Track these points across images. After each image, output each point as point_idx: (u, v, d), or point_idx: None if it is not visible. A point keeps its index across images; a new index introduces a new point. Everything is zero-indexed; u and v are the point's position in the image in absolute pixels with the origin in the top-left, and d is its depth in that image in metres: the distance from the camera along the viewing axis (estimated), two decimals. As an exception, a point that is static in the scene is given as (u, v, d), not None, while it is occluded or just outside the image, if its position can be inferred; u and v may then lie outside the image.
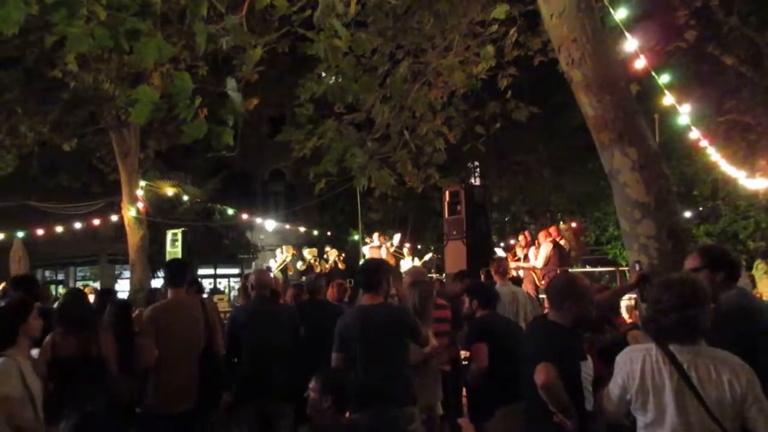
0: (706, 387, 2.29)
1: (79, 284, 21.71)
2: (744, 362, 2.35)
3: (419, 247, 16.82)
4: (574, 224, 16.00)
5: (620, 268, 13.39)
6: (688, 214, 16.77)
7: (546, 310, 3.65)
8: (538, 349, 3.07)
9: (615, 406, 2.54)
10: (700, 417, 2.28)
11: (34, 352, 4.32)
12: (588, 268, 14.49)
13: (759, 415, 2.26)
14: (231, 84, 2.78)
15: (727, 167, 12.87)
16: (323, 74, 4.65)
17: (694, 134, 10.38)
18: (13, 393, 3.09)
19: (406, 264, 13.03)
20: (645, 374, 2.39)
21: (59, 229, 15.15)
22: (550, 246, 9.92)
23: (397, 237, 14.65)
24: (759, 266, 12.05)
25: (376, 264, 4.60)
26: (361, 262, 12.90)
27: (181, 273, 4.75)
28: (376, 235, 13.37)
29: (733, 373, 2.31)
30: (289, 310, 5.41)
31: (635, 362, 2.43)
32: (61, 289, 16.49)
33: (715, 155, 12.14)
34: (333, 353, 3.96)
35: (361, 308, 3.97)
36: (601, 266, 17.13)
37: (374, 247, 12.85)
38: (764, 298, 8.42)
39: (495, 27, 5.40)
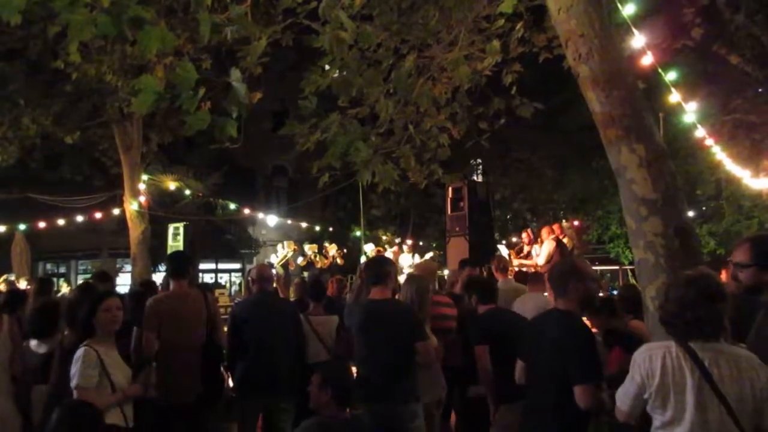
0: (727, 385, 2.26)
1: (81, 278, 21.74)
2: (762, 361, 2.33)
3: (421, 243, 16.80)
4: (576, 222, 15.98)
5: (623, 267, 13.37)
6: (691, 213, 16.69)
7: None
8: (578, 363, 2.90)
9: (630, 406, 2.47)
10: (719, 415, 2.25)
11: (33, 343, 4.34)
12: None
13: None
14: (235, 74, 2.74)
15: (731, 166, 12.83)
16: (327, 67, 4.61)
17: (700, 133, 10.33)
18: (88, 383, 3.39)
19: (406, 260, 12.94)
20: (665, 372, 2.34)
21: (61, 222, 15.14)
22: (553, 244, 9.89)
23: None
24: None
25: (384, 258, 4.60)
26: (362, 260, 12.92)
27: (183, 265, 4.73)
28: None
29: (754, 371, 2.29)
30: (291, 305, 5.39)
31: (655, 360, 2.37)
32: (63, 283, 16.49)
33: (719, 154, 12.09)
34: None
35: (369, 302, 3.94)
36: (604, 265, 17.09)
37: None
38: None
39: (501, 22, 5.35)
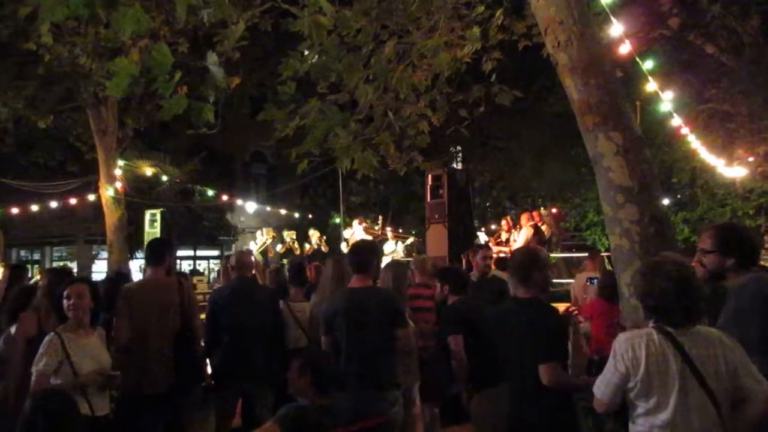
0: (707, 366, 2.31)
1: (56, 264, 21.39)
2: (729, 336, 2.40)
3: (401, 230, 16.82)
4: (554, 210, 16.13)
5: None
6: (666, 201, 16.95)
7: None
8: (544, 344, 3.07)
9: (611, 397, 2.46)
10: (700, 397, 2.30)
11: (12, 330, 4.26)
12: (567, 254, 14.61)
13: (751, 380, 2.32)
14: (212, 58, 2.70)
15: (706, 155, 13.02)
16: (306, 52, 4.56)
17: (676, 121, 10.47)
18: (45, 369, 3.41)
19: (389, 247, 13.02)
20: (650, 360, 2.34)
21: (35, 208, 14.86)
22: (531, 230, 10.00)
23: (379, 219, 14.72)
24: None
25: (368, 245, 4.56)
26: (342, 246, 12.94)
27: (160, 252, 4.60)
28: (355, 222, 13.29)
29: (727, 347, 2.35)
30: (270, 292, 5.37)
31: (638, 348, 2.37)
32: (37, 270, 16.20)
33: (695, 143, 12.26)
34: (322, 337, 3.93)
35: (350, 290, 3.93)
36: (581, 252, 17.25)
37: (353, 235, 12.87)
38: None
39: (481, 9, 5.34)
